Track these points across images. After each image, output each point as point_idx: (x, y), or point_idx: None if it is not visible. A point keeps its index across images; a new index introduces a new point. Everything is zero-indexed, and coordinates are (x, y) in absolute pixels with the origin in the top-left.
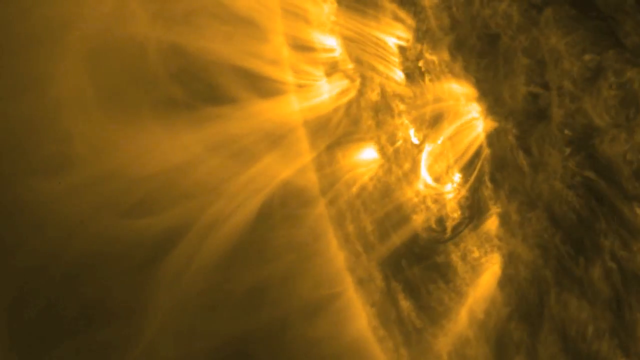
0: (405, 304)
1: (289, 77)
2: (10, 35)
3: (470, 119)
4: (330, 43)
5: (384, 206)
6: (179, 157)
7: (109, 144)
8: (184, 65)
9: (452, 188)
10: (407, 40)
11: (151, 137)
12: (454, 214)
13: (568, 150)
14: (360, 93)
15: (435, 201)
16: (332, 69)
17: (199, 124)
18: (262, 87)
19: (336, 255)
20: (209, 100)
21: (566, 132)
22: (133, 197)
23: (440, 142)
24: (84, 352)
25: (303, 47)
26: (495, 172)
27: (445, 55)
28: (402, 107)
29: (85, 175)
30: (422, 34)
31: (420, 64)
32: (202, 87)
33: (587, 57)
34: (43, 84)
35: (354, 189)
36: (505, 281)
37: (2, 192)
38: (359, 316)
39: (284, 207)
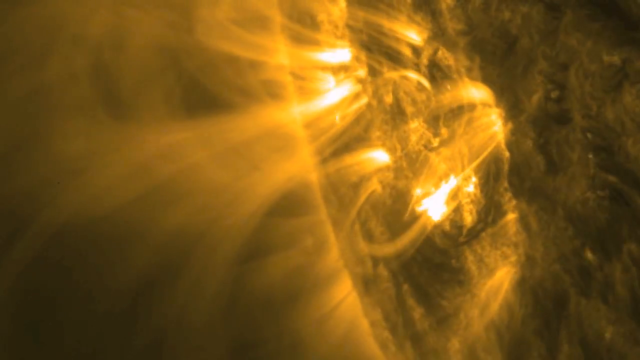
0: (416, 308)
1: (295, 81)
2: (16, 36)
3: (488, 122)
4: (340, 45)
5: (395, 210)
6: (180, 160)
7: (111, 146)
8: (188, 69)
9: (468, 191)
10: (422, 42)
11: (152, 139)
12: (470, 218)
13: (589, 154)
14: (372, 96)
15: (450, 205)
16: (342, 72)
17: (203, 128)
18: (267, 91)
19: (342, 259)
20: (212, 104)
21: (588, 135)
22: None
23: (455, 145)
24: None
25: (310, 50)
26: (513, 176)
27: (462, 58)
28: (415, 110)
29: (90, 174)
30: (437, 36)
31: (435, 66)
32: (206, 92)
33: (609, 59)
34: (47, 85)
35: (363, 193)
36: (522, 285)
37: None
38: (365, 320)
39: (287, 212)
